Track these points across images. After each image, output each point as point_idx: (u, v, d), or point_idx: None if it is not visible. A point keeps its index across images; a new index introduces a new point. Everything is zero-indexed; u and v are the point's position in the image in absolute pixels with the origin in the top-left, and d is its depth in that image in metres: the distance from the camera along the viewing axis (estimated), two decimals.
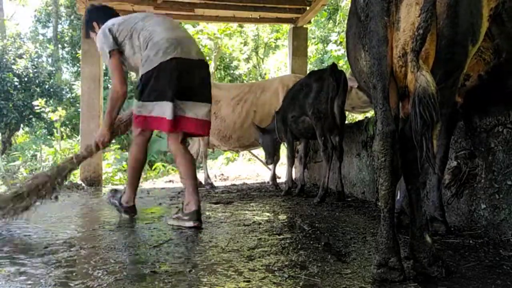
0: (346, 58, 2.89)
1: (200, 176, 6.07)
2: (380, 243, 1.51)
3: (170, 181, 7.24)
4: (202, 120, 2.79)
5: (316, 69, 13.86)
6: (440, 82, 1.47)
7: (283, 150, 5.47)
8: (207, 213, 3.26)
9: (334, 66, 3.75)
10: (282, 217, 3.16)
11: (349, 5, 2.54)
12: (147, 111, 2.71)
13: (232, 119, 5.22)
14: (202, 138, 5.50)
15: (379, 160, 1.51)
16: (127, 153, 11.18)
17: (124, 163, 9.74)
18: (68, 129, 14.49)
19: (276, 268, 1.68)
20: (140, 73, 2.75)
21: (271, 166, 5.68)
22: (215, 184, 5.88)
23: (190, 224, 2.63)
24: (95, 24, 3.09)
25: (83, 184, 5.81)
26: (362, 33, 1.65)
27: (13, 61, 14.05)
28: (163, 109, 2.64)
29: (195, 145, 5.99)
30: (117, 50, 2.81)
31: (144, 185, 6.78)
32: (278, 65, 16.47)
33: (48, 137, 13.87)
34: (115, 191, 3.20)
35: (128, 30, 2.80)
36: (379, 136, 1.51)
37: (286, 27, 10.51)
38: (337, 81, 3.62)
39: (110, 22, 2.87)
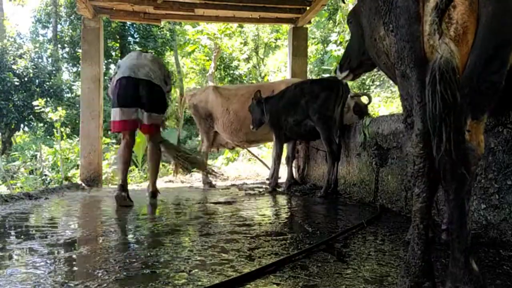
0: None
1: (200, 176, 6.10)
2: (413, 264, 1.26)
3: (170, 181, 7.24)
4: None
5: (316, 69, 13.87)
6: (485, 63, 1.20)
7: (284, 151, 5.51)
8: (208, 213, 3.26)
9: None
10: (282, 217, 3.16)
11: (349, 6, 2.53)
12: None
13: (242, 113, 5.60)
14: (208, 138, 5.72)
15: (416, 166, 1.24)
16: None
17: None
18: (68, 129, 14.49)
19: (276, 268, 1.68)
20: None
21: (270, 166, 5.74)
22: (215, 184, 5.90)
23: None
24: None
25: (83, 184, 5.81)
26: (385, 9, 1.36)
27: (13, 61, 14.05)
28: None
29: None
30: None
31: (144, 185, 6.77)
32: (278, 65, 16.48)
33: (48, 137, 13.87)
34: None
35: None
36: (419, 137, 1.22)
37: (286, 27, 10.52)
38: (344, 91, 4.04)
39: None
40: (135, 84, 3.69)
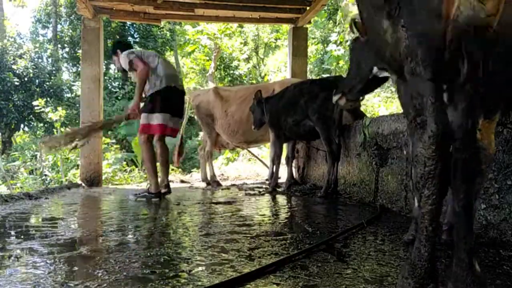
0: (347, 58, 2.69)
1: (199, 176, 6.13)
2: (419, 266, 1.26)
3: (170, 181, 7.22)
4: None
5: (316, 69, 13.86)
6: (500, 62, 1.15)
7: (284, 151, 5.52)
8: (208, 213, 3.26)
9: (342, 78, 4.09)
10: (282, 217, 3.16)
11: (349, 5, 2.53)
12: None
13: (239, 115, 5.68)
14: (210, 138, 5.83)
15: (427, 167, 1.21)
16: (126, 153, 11.24)
17: (124, 163, 9.78)
18: (68, 129, 14.47)
19: (276, 268, 1.68)
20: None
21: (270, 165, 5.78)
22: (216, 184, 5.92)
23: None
24: (118, 51, 4.37)
25: (83, 184, 5.81)
26: (394, 5, 1.31)
27: (13, 61, 14.05)
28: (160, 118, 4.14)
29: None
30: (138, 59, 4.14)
31: (143, 185, 6.78)
32: (278, 65, 16.48)
33: None
34: (134, 194, 4.34)
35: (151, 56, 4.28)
36: (432, 138, 1.20)
37: (286, 27, 10.51)
38: None
39: (131, 51, 4.30)
40: (177, 93, 4.27)
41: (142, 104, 4.30)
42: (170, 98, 4.16)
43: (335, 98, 2.91)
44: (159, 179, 4.33)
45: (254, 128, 5.02)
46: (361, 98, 3.03)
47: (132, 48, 4.57)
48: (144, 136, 4.19)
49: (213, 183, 5.87)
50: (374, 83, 2.72)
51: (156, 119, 4.12)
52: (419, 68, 1.23)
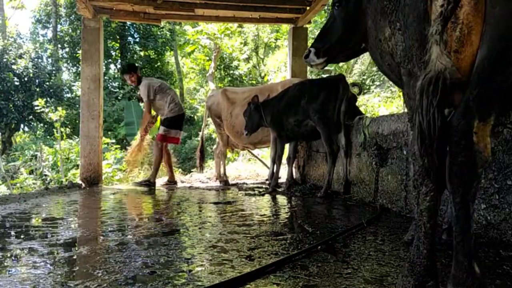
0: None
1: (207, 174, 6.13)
2: (418, 264, 1.27)
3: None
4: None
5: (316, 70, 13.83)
6: (493, 64, 1.19)
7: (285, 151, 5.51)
8: (208, 213, 3.26)
9: (342, 77, 4.14)
10: (282, 217, 3.16)
11: None
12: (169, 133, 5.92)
13: (242, 117, 5.58)
14: (222, 138, 6.21)
15: (424, 164, 1.24)
16: (127, 153, 11.24)
17: (124, 163, 9.79)
18: (68, 129, 14.49)
19: (276, 268, 1.68)
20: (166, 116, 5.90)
21: (270, 165, 5.79)
22: (215, 184, 5.94)
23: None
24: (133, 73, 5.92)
25: (83, 184, 5.80)
26: (391, 8, 1.37)
27: (13, 61, 14.04)
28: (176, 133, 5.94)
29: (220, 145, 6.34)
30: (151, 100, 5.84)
31: None
32: (278, 65, 16.46)
33: (48, 137, 13.88)
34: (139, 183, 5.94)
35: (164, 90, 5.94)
36: (425, 135, 1.23)
37: (286, 27, 10.50)
38: (344, 90, 3.99)
39: (150, 80, 6.00)
40: (183, 115, 6.09)
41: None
42: (180, 119, 5.93)
43: (318, 61, 2.38)
44: (166, 177, 6.13)
45: (246, 134, 4.95)
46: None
47: (136, 69, 5.95)
48: (160, 143, 5.83)
49: (222, 182, 5.97)
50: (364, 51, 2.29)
51: (173, 133, 5.88)
52: (416, 68, 1.26)
